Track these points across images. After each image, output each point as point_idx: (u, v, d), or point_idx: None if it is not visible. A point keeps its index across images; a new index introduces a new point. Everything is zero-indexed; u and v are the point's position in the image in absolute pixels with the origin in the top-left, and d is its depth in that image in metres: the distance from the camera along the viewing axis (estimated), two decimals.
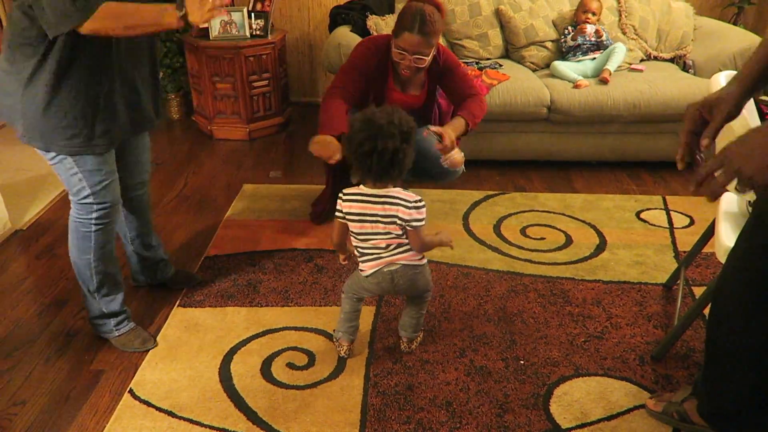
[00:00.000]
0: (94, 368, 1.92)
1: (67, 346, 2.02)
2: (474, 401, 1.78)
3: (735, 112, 1.17)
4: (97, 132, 1.71)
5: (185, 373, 1.89)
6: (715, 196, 1.01)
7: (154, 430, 1.69)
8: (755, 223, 1.29)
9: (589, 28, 3.26)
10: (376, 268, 1.78)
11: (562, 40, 3.31)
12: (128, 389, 1.83)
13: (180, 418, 1.73)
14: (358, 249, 1.79)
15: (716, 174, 1.00)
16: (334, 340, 2.00)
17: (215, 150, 3.60)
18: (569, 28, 3.31)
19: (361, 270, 1.81)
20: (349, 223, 1.76)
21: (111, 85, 1.70)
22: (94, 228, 1.84)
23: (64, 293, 2.27)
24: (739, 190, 0.99)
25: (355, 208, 1.72)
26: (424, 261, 1.83)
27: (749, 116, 1.55)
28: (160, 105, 1.97)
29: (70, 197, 1.83)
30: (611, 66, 3.15)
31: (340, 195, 1.76)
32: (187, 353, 1.97)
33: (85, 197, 1.79)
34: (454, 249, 1.99)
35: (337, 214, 1.78)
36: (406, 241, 1.76)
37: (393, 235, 1.73)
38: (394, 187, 1.72)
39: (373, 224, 1.72)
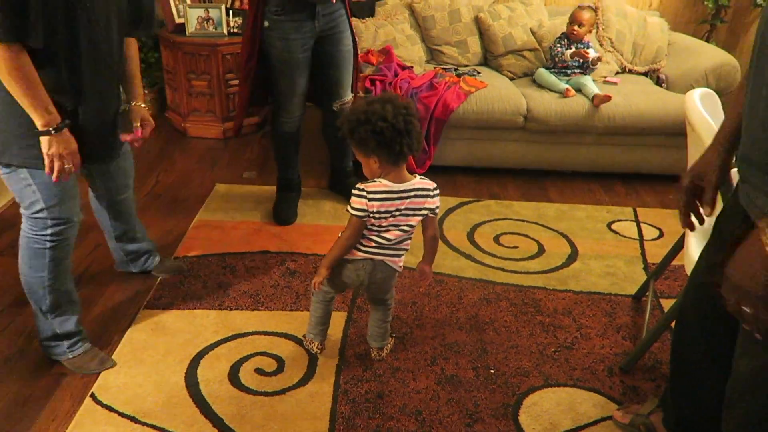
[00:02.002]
0: (55, 371, 1.86)
1: (28, 347, 1.95)
2: (444, 410, 1.77)
3: (723, 176, 1.23)
4: None
5: (150, 378, 1.84)
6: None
7: None
8: (715, 240, 1.31)
9: (592, 54, 3.24)
10: (361, 258, 1.75)
11: (558, 51, 3.30)
12: (90, 393, 1.77)
13: (144, 424, 1.68)
14: (362, 241, 1.73)
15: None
16: (305, 343, 1.97)
17: (188, 148, 3.54)
18: (565, 41, 3.30)
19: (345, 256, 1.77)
20: (380, 221, 1.68)
21: (74, 107, 1.60)
22: (48, 245, 1.71)
23: (23, 293, 2.19)
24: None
25: (386, 206, 1.67)
26: (401, 269, 1.83)
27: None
28: (118, 141, 1.85)
29: (22, 210, 1.70)
30: (595, 89, 3.14)
31: (363, 193, 1.65)
32: (152, 357, 1.92)
33: (38, 211, 1.67)
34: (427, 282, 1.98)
35: (357, 213, 1.66)
36: (406, 241, 1.76)
37: (409, 228, 1.73)
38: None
39: (398, 218, 1.70)
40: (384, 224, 1.70)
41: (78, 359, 1.87)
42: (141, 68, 3.91)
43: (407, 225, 1.73)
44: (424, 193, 1.70)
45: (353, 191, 1.68)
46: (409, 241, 1.79)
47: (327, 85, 2.64)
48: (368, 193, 1.65)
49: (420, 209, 1.71)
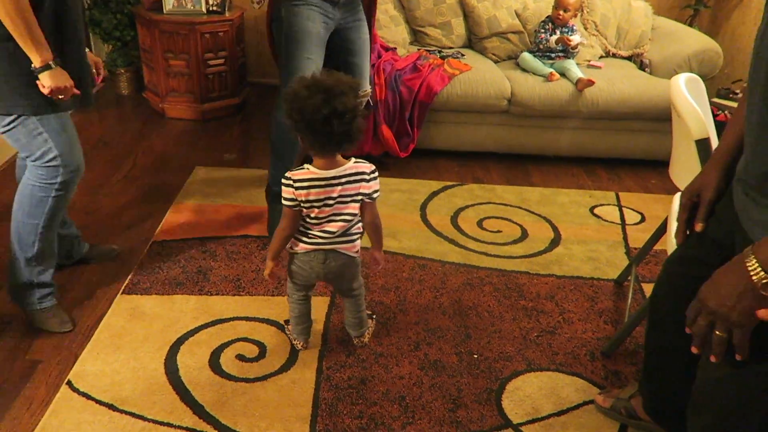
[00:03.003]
0: (30, 358, 1.82)
1: (1, 333, 1.90)
2: (427, 396, 1.77)
3: (720, 194, 1.22)
4: None
5: (128, 365, 1.80)
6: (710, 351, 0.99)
7: (94, 425, 1.61)
8: (696, 235, 1.32)
9: (575, 40, 3.22)
10: (311, 251, 1.71)
11: (542, 38, 3.27)
12: (66, 381, 1.73)
13: (122, 411, 1.65)
14: (304, 230, 1.69)
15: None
16: (287, 332, 1.95)
17: (167, 129, 3.46)
18: (549, 25, 3.27)
19: (292, 249, 1.72)
20: (309, 210, 1.64)
21: (59, 53, 1.65)
22: (54, 193, 1.77)
23: (12, 242, 2.13)
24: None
25: (314, 194, 1.62)
26: (358, 256, 1.78)
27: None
28: (92, 88, 1.90)
29: (31, 162, 1.75)
30: (579, 73, 3.13)
31: (290, 182, 1.61)
32: (131, 343, 1.88)
33: (51, 159, 1.73)
34: (401, 242, 1.94)
35: (288, 203, 1.63)
36: (353, 227, 1.70)
37: (350, 216, 1.67)
38: (345, 157, 1.64)
39: (333, 207, 1.64)
40: (322, 215, 1.64)
41: (42, 313, 1.91)
42: (117, 47, 3.83)
43: (347, 213, 1.66)
44: (359, 177, 1.63)
45: (282, 180, 1.62)
46: (358, 226, 1.73)
47: (348, 75, 2.50)
48: (294, 181, 1.60)
49: (355, 195, 1.64)
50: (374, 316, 2.02)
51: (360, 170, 1.64)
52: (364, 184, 1.64)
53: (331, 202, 1.63)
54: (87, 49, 1.91)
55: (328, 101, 1.48)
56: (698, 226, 1.24)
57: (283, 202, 1.63)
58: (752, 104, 1.00)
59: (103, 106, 3.67)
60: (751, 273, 0.89)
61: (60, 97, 1.64)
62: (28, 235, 1.81)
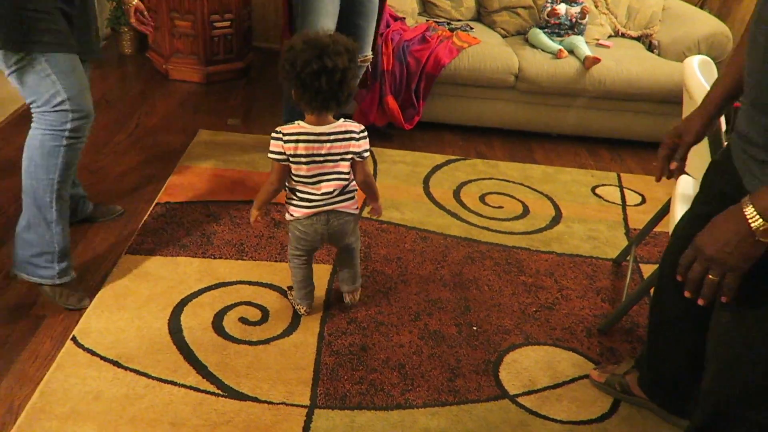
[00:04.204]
0: (35, 313, 1.84)
1: (6, 288, 1.91)
2: (426, 365, 1.80)
3: (698, 139, 1.31)
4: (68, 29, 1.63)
5: (133, 323, 1.83)
6: (702, 295, 1.04)
7: (99, 380, 1.63)
8: (703, 194, 1.35)
9: (561, 8, 3.20)
10: (313, 214, 1.72)
11: (546, 4, 3.25)
12: (71, 337, 1.75)
13: (126, 368, 1.68)
14: (303, 195, 1.70)
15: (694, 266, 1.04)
16: (289, 297, 1.97)
17: (170, 91, 3.43)
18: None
19: (292, 216, 1.74)
20: (297, 166, 1.65)
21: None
22: (65, 141, 1.68)
23: (2, 232, 2.14)
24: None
25: (302, 149, 1.62)
26: (357, 211, 1.80)
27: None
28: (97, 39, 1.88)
29: (38, 108, 1.66)
30: (587, 50, 3.11)
31: (279, 135, 1.62)
32: (135, 302, 1.90)
33: (59, 103, 1.64)
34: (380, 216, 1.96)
35: (275, 156, 1.64)
36: (349, 185, 1.72)
37: (343, 175, 1.69)
38: (335, 117, 1.65)
39: (322, 165, 1.65)
40: (311, 173, 1.65)
41: (62, 289, 1.84)
42: (121, 4, 3.76)
43: (338, 172, 1.68)
44: (348, 135, 1.65)
45: (272, 134, 1.64)
46: (352, 185, 1.75)
47: (354, 38, 2.51)
48: (284, 134, 1.62)
49: (345, 153, 1.66)
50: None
51: (349, 129, 1.66)
52: (353, 142, 1.66)
53: (319, 159, 1.65)
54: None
55: (320, 57, 1.50)
56: (673, 164, 1.33)
57: (270, 155, 1.65)
58: (755, 61, 1.03)
59: (106, 64, 3.63)
60: (750, 220, 0.95)
61: None
62: (44, 193, 1.71)
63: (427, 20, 3.38)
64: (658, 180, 1.43)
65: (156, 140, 2.88)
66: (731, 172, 1.13)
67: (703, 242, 1.02)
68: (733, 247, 0.97)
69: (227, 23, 3.46)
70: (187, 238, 2.21)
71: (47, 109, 1.66)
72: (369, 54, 2.57)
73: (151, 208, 2.36)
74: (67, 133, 1.68)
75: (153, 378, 1.66)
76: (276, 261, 2.15)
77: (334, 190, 1.70)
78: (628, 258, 2.30)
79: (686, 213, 1.44)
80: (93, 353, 1.71)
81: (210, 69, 3.52)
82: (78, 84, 1.68)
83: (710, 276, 1.01)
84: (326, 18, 2.29)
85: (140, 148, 2.80)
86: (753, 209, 0.94)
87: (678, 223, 1.50)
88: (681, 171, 1.40)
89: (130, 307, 1.88)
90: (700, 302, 1.05)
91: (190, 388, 1.64)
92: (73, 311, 1.85)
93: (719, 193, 1.24)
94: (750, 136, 1.06)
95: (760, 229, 0.94)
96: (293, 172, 1.67)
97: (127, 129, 2.95)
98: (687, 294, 1.06)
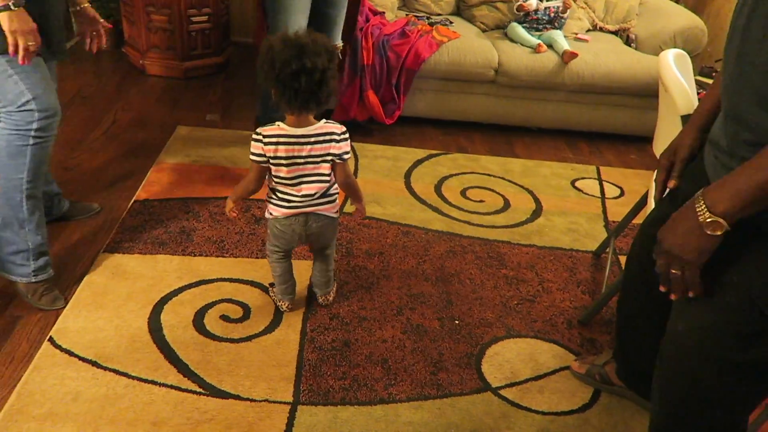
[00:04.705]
0: (10, 313, 1.80)
1: None
2: (409, 359, 1.80)
3: (692, 152, 1.32)
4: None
5: (112, 322, 1.80)
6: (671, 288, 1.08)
7: (77, 381, 1.61)
8: (669, 196, 1.37)
9: (532, 3, 3.22)
10: (291, 215, 1.72)
11: (516, 7, 3.26)
12: (48, 337, 1.73)
13: (105, 368, 1.65)
14: (282, 195, 1.69)
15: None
16: (271, 294, 1.96)
17: (147, 86, 3.38)
18: None
19: (271, 215, 1.74)
20: (277, 168, 1.65)
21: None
22: (32, 141, 1.67)
23: None
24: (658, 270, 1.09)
25: (282, 151, 1.62)
26: (338, 216, 1.80)
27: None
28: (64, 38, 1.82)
29: (3, 108, 1.64)
30: (565, 45, 3.13)
31: (259, 137, 1.62)
32: (113, 301, 1.88)
33: (24, 103, 1.62)
34: (384, 209, 1.95)
35: (255, 158, 1.64)
36: (331, 188, 1.72)
37: (324, 177, 1.68)
38: (315, 117, 1.65)
39: (303, 166, 1.65)
40: (291, 175, 1.65)
41: (36, 286, 1.82)
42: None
43: (319, 174, 1.68)
44: (328, 138, 1.64)
45: (252, 136, 1.64)
46: (334, 188, 1.75)
47: (321, 26, 2.46)
48: (264, 136, 1.62)
49: (325, 155, 1.65)
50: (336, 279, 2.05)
51: (329, 131, 1.65)
52: (333, 144, 1.65)
53: (300, 160, 1.64)
54: (87, 3, 1.86)
55: (299, 57, 1.50)
56: (671, 183, 1.34)
57: (251, 157, 1.64)
58: (726, 71, 1.06)
59: (80, 60, 3.56)
60: (699, 214, 0.98)
61: (20, 43, 1.52)
62: (15, 193, 1.70)
63: (406, 14, 3.38)
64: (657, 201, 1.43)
65: (133, 136, 2.84)
66: (700, 176, 1.16)
67: (662, 237, 1.06)
68: (686, 240, 1.01)
69: (205, 17, 3.42)
70: (167, 236, 2.18)
71: (12, 109, 1.64)
72: (338, 43, 2.56)
73: (129, 206, 2.32)
74: (33, 133, 1.67)
75: (133, 377, 1.64)
76: (257, 257, 2.14)
77: (316, 193, 1.69)
78: (607, 250, 2.33)
79: (652, 212, 1.46)
80: (71, 353, 1.68)
81: (188, 64, 3.48)
82: (42, 83, 1.65)
83: (672, 270, 1.05)
84: (297, 15, 2.29)
85: (117, 145, 2.75)
86: (703, 203, 0.98)
87: (644, 221, 1.53)
88: (678, 188, 1.38)
89: (108, 306, 1.85)
90: (672, 297, 1.08)
91: (171, 387, 1.63)
92: (50, 311, 1.81)
93: (685, 196, 1.26)
94: (720, 143, 1.08)
95: (707, 221, 0.97)
96: (273, 173, 1.66)
97: (103, 125, 2.90)
98: (662, 288, 1.09)
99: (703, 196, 0.98)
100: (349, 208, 2.41)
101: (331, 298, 1.97)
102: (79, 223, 2.20)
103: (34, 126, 1.66)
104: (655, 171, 1.83)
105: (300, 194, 1.68)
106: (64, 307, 1.84)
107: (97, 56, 3.68)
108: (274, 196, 1.71)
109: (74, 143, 2.71)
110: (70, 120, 2.89)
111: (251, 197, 2.42)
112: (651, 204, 1.78)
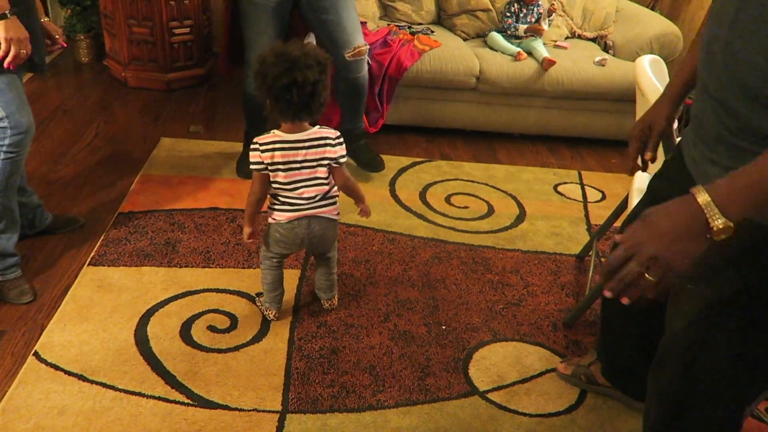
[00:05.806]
0: None
1: None
2: (397, 365, 1.81)
3: (669, 124, 1.33)
4: None
5: (97, 335, 1.79)
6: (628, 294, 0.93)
7: (63, 395, 1.60)
8: (648, 198, 1.39)
9: (546, 27, 3.28)
10: (294, 218, 1.74)
11: (509, 23, 3.29)
12: (33, 352, 1.71)
13: (92, 382, 1.64)
14: (284, 200, 1.72)
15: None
16: (258, 304, 1.96)
17: (130, 99, 3.37)
18: (515, 5, 3.29)
19: (275, 219, 1.76)
20: (275, 174, 1.68)
21: (18, 8, 1.59)
22: (3, 156, 1.71)
23: None
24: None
25: (279, 157, 1.66)
26: (338, 218, 1.83)
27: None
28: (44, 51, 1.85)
29: None
30: (544, 52, 3.18)
31: (256, 146, 1.66)
32: (99, 314, 1.87)
33: None
34: (370, 217, 1.96)
35: (255, 167, 1.68)
36: (331, 190, 1.75)
37: (321, 180, 1.71)
38: (311, 124, 1.68)
39: (299, 171, 1.68)
40: (289, 179, 1.68)
41: (6, 284, 1.87)
42: (76, 11, 3.69)
43: (317, 177, 1.71)
44: (323, 142, 1.69)
45: (250, 146, 1.68)
46: (334, 190, 1.78)
47: (328, 34, 2.37)
48: (260, 144, 1.66)
49: (321, 159, 1.69)
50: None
51: (324, 135, 1.69)
52: (329, 148, 1.69)
53: (296, 165, 1.67)
54: (46, 18, 1.88)
55: (290, 71, 1.54)
56: (648, 155, 1.33)
57: (251, 166, 1.68)
58: (709, 55, 1.04)
59: (61, 73, 3.54)
60: (709, 218, 0.84)
61: (13, 51, 1.56)
62: None
63: (388, 24, 3.41)
64: (632, 175, 1.43)
65: (116, 149, 2.83)
66: (678, 179, 1.17)
67: (643, 241, 0.89)
68: (684, 247, 0.87)
69: (187, 30, 3.42)
70: (152, 247, 2.18)
71: None
72: (360, 44, 2.42)
73: (113, 218, 2.31)
74: (5, 149, 1.71)
75: (120, 390, 1.63)
76: (243, 267, 2.14)
77: (316, 195, 1.72)
78: (590, 253, 2.36)
79: (629, 216, 1.48)
80: (56, 367, 1.67)
81: (170, 76, 3.47)
82: (16, 100, 1.69)
83: (648, 276, 0.89)
84: (263, 36, 2.31)
85: (100, 157, 2.74)
86: (715, 207, 0.84)
87: (623, 222, 1.55)
88: (655, 160, 1.38)
89: (94, 319, 1.84)
90: (624, 301, 0.93)
91: (159, 398, 1.62)
92: (35, 325, 1.80)
93: (664, 199, 1.28)
94: (704, 123, 1.07)
95: (720, 227, 0.83)
96: (272, 179, 1.70)
97: (86, 138, 2.89)
98: (624, 301, 0.94)
99: (712, 198, 0.85)
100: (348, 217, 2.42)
101: (335, 303, 1.98)
102: (63, 236, 2.19)
103: (7, 142, 1.70)
104: (634, 178, 1.88)
105: (302, 197, 1.71)
106: (32, 300, 1.88)
107: (78, 69, 3.67)
108: (277, 202, 1.74)
109: (57, 156, 2.70)
110: (52, 133, 2.87)
111: (237, 207, 2.45)
112: (632, 207, 1.81)
